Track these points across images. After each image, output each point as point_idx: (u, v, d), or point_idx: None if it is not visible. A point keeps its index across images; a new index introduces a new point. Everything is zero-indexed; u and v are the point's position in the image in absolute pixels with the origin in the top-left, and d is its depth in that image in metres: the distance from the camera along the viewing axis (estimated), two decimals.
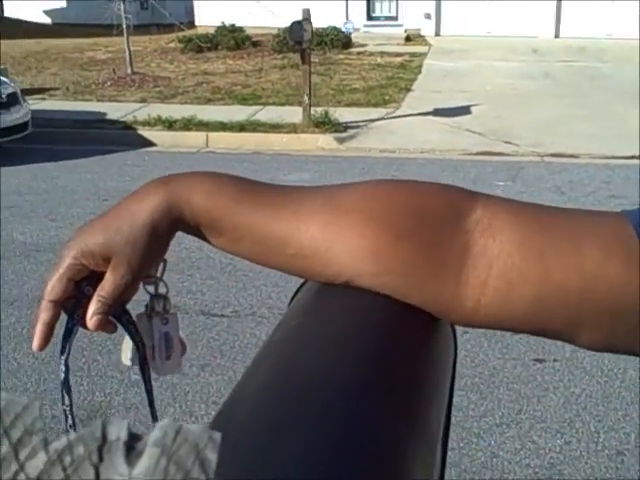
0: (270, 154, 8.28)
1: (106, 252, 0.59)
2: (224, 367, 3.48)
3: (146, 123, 9.12)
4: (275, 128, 8.98)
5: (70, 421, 0.64)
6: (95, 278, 0.61)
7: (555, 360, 3.53)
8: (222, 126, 9.00)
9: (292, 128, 8.91)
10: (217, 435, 0.24)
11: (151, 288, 0.67)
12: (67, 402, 0.64)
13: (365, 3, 19.68)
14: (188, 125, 9.01)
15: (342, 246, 0.55)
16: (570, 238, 0.52)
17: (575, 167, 7.59)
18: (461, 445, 2.92)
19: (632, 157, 7.85)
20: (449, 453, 2.39)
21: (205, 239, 0.61)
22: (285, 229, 0.57)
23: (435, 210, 0.55)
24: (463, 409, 3.14)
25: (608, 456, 2.85)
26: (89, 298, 0.62)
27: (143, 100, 10.93)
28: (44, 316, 0.61)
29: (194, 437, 0.28)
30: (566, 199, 6.34)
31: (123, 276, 0.60)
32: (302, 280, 0.62)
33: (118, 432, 0.26)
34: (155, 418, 0.72)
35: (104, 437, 0.24)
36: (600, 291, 0.50)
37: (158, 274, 0.66)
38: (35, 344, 0.61)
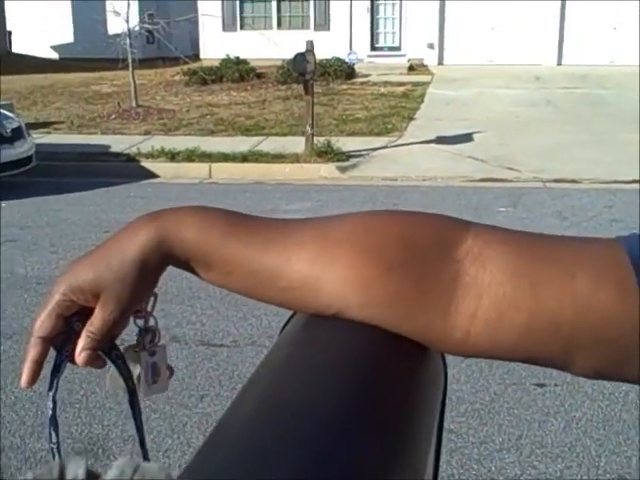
0: (272, 184, 8.31)
1: (95, 288, 0.59)
2: (223, 397, 3.45)
3: (149, 155, 9.18)
4: (278, 158, 9.03)
5: (57, 459, 0.64)
6: (84, 314, 0.61)
7: (556, 385, 3.49)
8: (225, 157, 9.06)
9: (295, 158, 8.96)
10: (174, 474, 0.24)
11: (141, 322, 0.67)
12: (54, 439, 0.63)
13: (369, 34, 19.90)
14: (191, 156, 9.07)
15: (331, 277, 0.55)
16: (562, 267, 0.52)
17: (577, 192, 7.59)
18: (461, 472, 2.88)
19: (634, 181, 7.85)
20: (449, 479, 2.36)
21: (195, 273, 0.60)
22: (275, 262, 0.57)
23: (425, 240, 0.55)
24: (463, 435, 3.11)
25: None
26: (78, 334, 0.62)
27: (147, 132, 11.02)
28: (33, 353, 0.60)
29: (151, 475, 0.28)
30: (568, 224, 6.34)
31: (112, 312, 0.60)
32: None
33: (75, 471, 0.26)
34: (146, 458, 0.72)
35: (61, 477, 0.24)
36: (592, 320, 0.50)
37: (148, 308, 0.67)
38: (23, 380, 0.61)
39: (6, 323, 4.27)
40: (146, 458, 0.72)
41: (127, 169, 8.81)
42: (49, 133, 10.98)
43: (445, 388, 0.60)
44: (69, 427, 3.19)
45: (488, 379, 3.57)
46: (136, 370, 0.68)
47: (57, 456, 0.63)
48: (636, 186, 7.72)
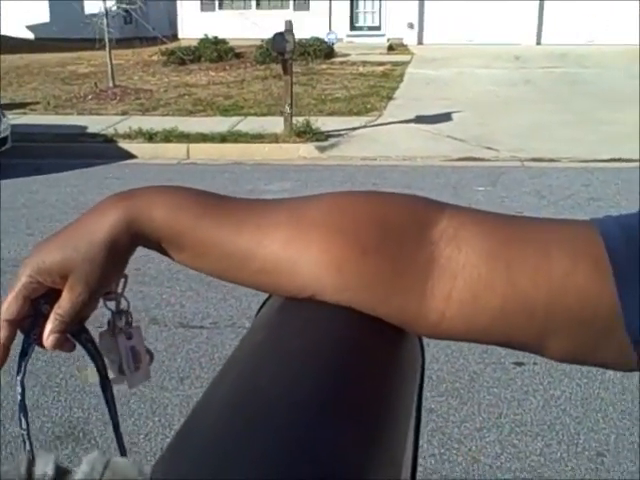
0: (251, 164, 8.27)
1: (63, 270, 0.58)
2: (203, 379, 3.44)
3: (127, 136, 9.09)
4: (256, 138, 8.97)
5: (28, 446, 0.62)
6: (52, 296, 0.60)
7: (535, 363, 3.52)
8: (203, 137, 8.99)
9: (274, 138, 8.91)
10: (146, 468, 0.23)
11: (112, 304, 0.65)
12: (24, 425, 0.62)
13: (348, 13, 19.78)
14: (169, 137, 8.99)
15: (306, 260, 0.54)
16: (538, 248, 0.51)
17: (555, 171, 7.62)
18: (442, 451, 2.90)
19: (611, 160, 7.90)
20: (430, 459, 2.40)
21: (167, 254, 0.59)
22: (248, 244, 0.56)
23: (400, 222, 0.54)
24: (443, 415, 3.12)
25: (588, 458, 2.84)
26: (46, 316, 0.61)
27: (124, 113, 10.91)
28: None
29: (123, 471, 0.26)
30: (546, 203, 6.37)
31: (80, 294, 0.58)
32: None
33: (44, 468, 0.25)
34: (121, 444, 0.70)
35: (29, 474, 0.23)
36: (567, 301, 0.49)
37: (119, 290, 0.65)
38: None
39: None
40: (120, 443, 0.70)
41: (104, 150, 8.72)
42: (25, 114, 10.83)
43: (423, 370, 0.59)
44: (49, 411, 3.17)
45: (467, 358, 3.58)
46: (112, 357, 0.67)
47: (27, 442, 0.62)
48: (613, 164, 7.77)
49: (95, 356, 0.65)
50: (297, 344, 0.51)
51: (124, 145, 8.83)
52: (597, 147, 8.38)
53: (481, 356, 3.58)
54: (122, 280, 0.64)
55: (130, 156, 8.59)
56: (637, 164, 7.72)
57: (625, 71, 14.41)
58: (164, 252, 0.59)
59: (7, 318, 0.59)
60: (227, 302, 4.29)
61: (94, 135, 9.29)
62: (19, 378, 0.61)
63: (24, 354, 0.61)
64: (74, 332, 0.63)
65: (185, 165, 8.38)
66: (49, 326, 0.60)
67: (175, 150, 8.70)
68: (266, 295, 0.60)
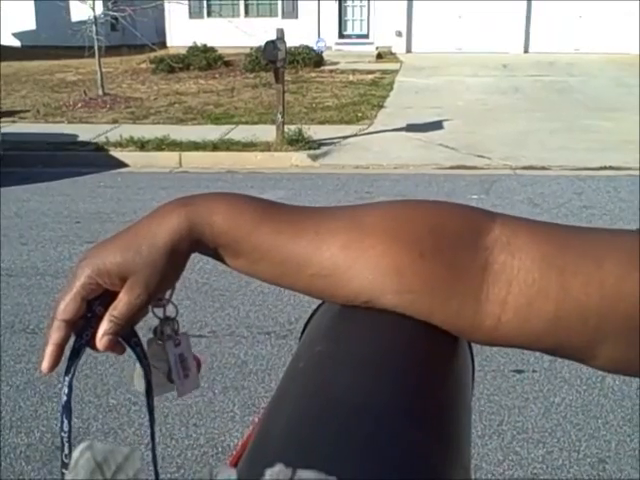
0: (244, 173, 8.27)
1: (124, 272, 0.58)
2: (203, 388, 3.43)
3: (118, 144, 9.06)
4: (248, 147, 8.97)
5: (67, 450, 0.60)
6: (107, 297, 0.60)
7: (534, 371, 3.53)
8: (195, 146, 8.97)
9: (266, 146, 8.91)
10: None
11: (159, 311, 0.65)
12: (66, 428, 0.61)
13: (337, 21, 19.83)
14: (161, 145, 8.97)
15: (364, 264, 0.55)
16: (589, 255, 0.52)
17: (547, 179, 7.66)
18: None
19: (602, 168, 7.96)
20: None
21: (222, 260, 0.60)
22: (306, 249, 0.57)
23: (455, 228, 0.55)
24: None
25: (590, 464, 2.86)
26: (99, 318, 0.61)
27: (115, 121, 10.88)
28: (55, 336, 0.59)
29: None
30: (539, 211, 6.40)
31: (139, 296, 0.59)
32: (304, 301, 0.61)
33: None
34: (154, 448, 0.70)
35: None
36: (620, 308, 0.50)
37: (167, 297, 0.65)
38: (44, 365, 0.60)
39: None
40: (154, 451, 0.70)
41: (96, 158, 8.69)
42: (14, 122, 10.78)
43: (474, 376, 0.61)
44: (48, 421, 3.15)
45: None
46: (161, 365, 0.66)
47: (67, 445, 0.61)
48: (604, 172, 7.82)
49: (143, 361, 0.65)
50: (362, 353, 0.51)
51: (115, 153, 8.80)
52: (587, 155, 8.44)
53: (480, 364, 3.58)
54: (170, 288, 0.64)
55: (122, 165, 8.56)
56: (627, 172, 7.79)
57: (612, 79, 14.55)
58: (220, 258, 0.60)
59: (64, 318, 0.59)
60: (225, 311, 4.28)
61: (85, 143, 9.26)
62: (67, 379, 0.61)
63: (75, 355, 0.61)
64: (124, 336, 0.63)
65: (177, 173, 8.37)
66: (103, 327, 0.60)
67: (167, 158, 8.68)
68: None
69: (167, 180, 7.94)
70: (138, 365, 0.65)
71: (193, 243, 0.58)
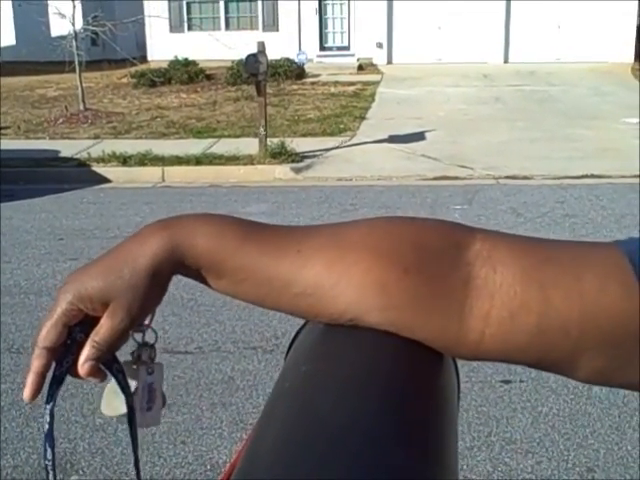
0: (227, 186, 8.25)
1: (106, 296, 0.57)
2: (191, 405, 3.42)
3: (100, 159, 9.02)
4: (231, 160, 8.97)
5: (51, 478, 0.61)
6: (87, 323, 0.59)
7: (521, 381, 3.54)
8: (178, 160, 8.96)
9: (249, 160, 8.91)
10: None
11: (139, 337, 0.65)
12: (49, 456, 0.60)
13: (317, 34, 19.90)
14: (143, 160, 8.95)
15: (348, 281, 0.55)
16: (568, 268, 0.53)
17: (529, 188, 7.71)
18: None
19: (583, 176, 8.02)
20: None
21: (205, 282, 0.60)
22: (290, 268, 0.56)
23: (436, 244, 0.56)
24: None
25: (579, 473, 2.86)
26: (79, 344, 0.60)
27: (97, 137, 10.84)
28: (37, 364, 0.59)
29: None
30: (522, 220, 6.44)
31: (121, 321, 0.58)
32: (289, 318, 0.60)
33: None
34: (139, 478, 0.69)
35: None
36: (600, 320, 0.50)
37: (146, 322, 0.64)
38: (26, 394, 0.59)
39: None
40: (139, 478, 0.69)
41: (78, 174, 8.64)
42: None
43: (459, 391, 0.61)
44: (34, 442, 3.11)
45: None
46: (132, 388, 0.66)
47: (51, 473, 0.61)
48: (586, 181, 7.88)
49: (125, 389, 0.64)
50: (347, 374, 0.51)
51: (98, 169, 8.77)
52: (568, 164, 8.50)
53: (468, 375, 3.59)
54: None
55: (104, 180, 8.52)
56: (608, 180, 7.86)
57: (591, 88, 14.69)
58: (203, 280, 0.59)
59: (46, 345, 0.58)
60: (211, 327, 4.26)
61: (67, 159, 9.22)
62: (49, 407, 0.60)
63: (56, 382, 0.60)
64: (106, 362, 0.62)
65: (160, 188, 8.34)
66: (85, 353, 0.59)
67: (150, 173, 8.66)
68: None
69: (150, 195, 7.92)
70: (107, 389, 0.65)
71: (175, 265, 0.57)
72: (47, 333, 0.58)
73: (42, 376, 0.59)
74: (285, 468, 0.41)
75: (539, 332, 0.52)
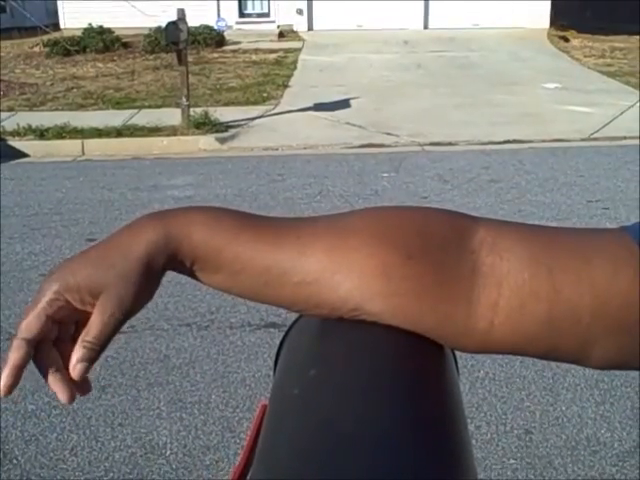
0: (150, 159, 8.05)
1: (95, 286, 0.54)
2: (126, 386, 3.34)
3: (16, 133, 8.66)
4: (154, 132, 8.75)
5: None
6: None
7: None
8: (98, 132, 8.68)
9: (171, 131, 8.71)
10: None
11: None
12: None
13: (237, 0, 19.54)
14: (61, 133, 8.63)
15: (350, 267, 0.52)
16: (577, 254, 0.51)
17: (454, 155, 7.80)
18: None
19: (506, 142, 8.17)
20: None
21: (200, 277, 0.57)
22: (289, 256, 0.54)
23: (440, 231, 0.54)
24: None
25: (517, 436, 2.93)
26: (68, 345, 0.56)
27: (10, 109, 10.40)
28: (14, 356, 0.53)
29: None
30: (450, 187, 6.51)
31: (112, 314, 0.54)
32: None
33: None
34: None
35: None
36: (612, 306, 0.49)
37: None
38: (2, 386, 0.54)
39: None
40: None
41: None
42: None
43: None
44: None
45: None
46: None
47: None
48: (509, 146, 8.04)
49: None
50: (357, 376, 0.49)
51: (14, 143, 8.41)
52: (491, 129, 8.64)
53: None
54: None
55: (21, 155, 8.19)
56: (529, 145, 8.03)
57: (510, 53, 14.94)
58: (197, 274, 0.57)
59: (26, 337, 0.54)
60: None
61: None
62: None
63: None
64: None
65: (81, 162, 8.07)
66: (76, 355, 0.55)
67: (69, 147, 8.36)
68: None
69: (71, 169, 7.65)
70: None
71: (170, 257, 0.55)
72: (28, 323, 0.54)
73: (19, 369, 0.54)
74: (300, 469, 0.40)
75: (550, 320, 0.50)
